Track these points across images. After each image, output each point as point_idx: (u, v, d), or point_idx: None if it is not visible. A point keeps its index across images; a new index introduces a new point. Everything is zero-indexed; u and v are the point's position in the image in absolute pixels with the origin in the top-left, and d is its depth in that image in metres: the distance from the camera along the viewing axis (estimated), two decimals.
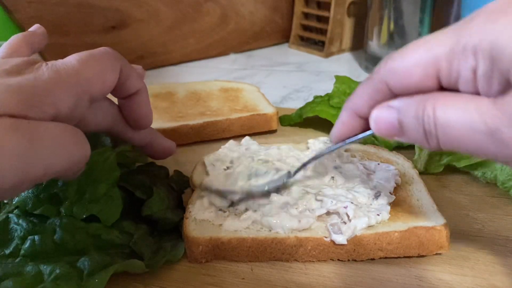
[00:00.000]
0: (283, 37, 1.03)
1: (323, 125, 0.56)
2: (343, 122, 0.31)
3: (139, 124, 0.37)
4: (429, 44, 0.24)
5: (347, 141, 0.32)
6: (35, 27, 0.37)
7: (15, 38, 0.35)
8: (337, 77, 0.59)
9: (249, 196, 0.39)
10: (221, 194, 0.39)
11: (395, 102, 0.26)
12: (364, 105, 0.29)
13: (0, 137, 0.23)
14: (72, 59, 0.30)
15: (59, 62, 0.29)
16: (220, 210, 0.38)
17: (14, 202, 0.35)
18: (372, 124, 0.28)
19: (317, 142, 0.47)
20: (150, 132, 0.40)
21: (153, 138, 0.41)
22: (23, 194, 0.35)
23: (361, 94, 0.29)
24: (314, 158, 0.38)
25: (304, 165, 0.39)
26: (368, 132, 0.30)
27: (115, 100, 0.37)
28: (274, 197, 0.38)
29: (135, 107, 0.36)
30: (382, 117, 0.27)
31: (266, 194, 0.39)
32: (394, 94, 0.27)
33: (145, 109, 0.37)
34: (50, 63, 0.29)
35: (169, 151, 0.42)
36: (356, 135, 0.31)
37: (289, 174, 0.40)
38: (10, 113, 0.24)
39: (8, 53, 0.33)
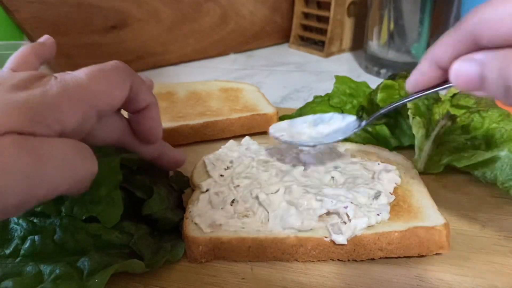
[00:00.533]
0: (283, 37, 1.03)
1: None
2: (422, 71, 0.30)
3: (148, 138, 0.37)
4: None
5: (425, 92, 0.31)
6: (44, 38, 0.37)
7: (24, 49, 0.34)
8: (337, 77, 0.59)
9: (317, 146, 0.38)
10: (289, 144, 0.39)
11: (479, 55, 0.26)
12: (446, 55, 0.28)
13: (5, 156, 0.23)
14: (81, 74, 0.29)
15: (68, 76, 0.29)
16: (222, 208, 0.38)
17: None
18: (452, 75, 0.27)
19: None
20: (160, 144, 0.39)
21: (162, 151, 0.40)
22: None
23: (444, 44, 0.28)
24: (390, 107, 0.37)
25: (377, 114, 0.38)
26: (446, 85, 0.29)
27: (125, 113, 0.36)
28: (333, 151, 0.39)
29: (145, 122, 0.36)
30: (464, 70, 0.26)
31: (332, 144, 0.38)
32: (479, 47, 0.26)
33: (155, 123, 0.36)
34: (59, 77, 0.28)
35: (179, 163, 0.42)
36: (434, 86, 0.30)
37: (359, 122, 0.38)
38: (17, 130, 0.24)
39: (17, 65, 0.33)
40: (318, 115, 0.42)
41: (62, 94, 0.27)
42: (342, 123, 0.39)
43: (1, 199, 0.23)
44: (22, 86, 0.27)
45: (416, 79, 0.31)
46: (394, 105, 0.37)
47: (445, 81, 0.29)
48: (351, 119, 0.39)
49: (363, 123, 0.38)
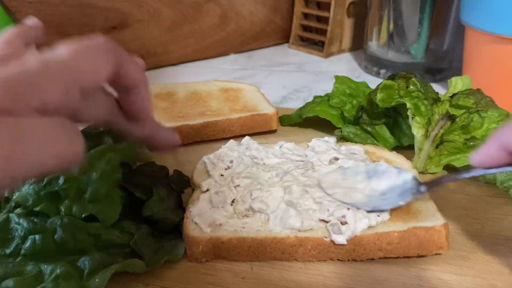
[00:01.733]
0: (283, 37, 1.03)
1: (323, 125, 0.56)
2: (489, 153, 0.31)
3: (136, 117, 0.35)
4: None
5: (490, 171, 0.32)
6: (29, 20, 0.36)
7: (9, 32, 0.34)
8: (337, 77, 0.59)
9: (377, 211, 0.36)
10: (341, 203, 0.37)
11: None
12: None
13: None
14: (62, 49, 0.28)
15: (49, 53, 0.28)
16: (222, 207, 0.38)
17: (14, 198, 0.35)
18: None
19: (320, 142, 0.47)
20: (151, 124, 0.37)
21: (154, 130, 0.38)
22: (24, 190, 0.35)
23: None
24: (450, 178, 0.38)
25: (438, 182, 0.38)
26: (510, 167, 0.30)
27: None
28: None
29: (133, 100, 0.34)
30: None
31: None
32: None
33: (144, 101, 0.35)
34: (40, 54, 0.27)
35: (172, 143, 0.39)
36: (499, 167, 0.31)
37: (417, 184, 0.37)
38: None
39: (1, 47, 0.32)
40: (371, 166, 0.40)
41: (43, 71, 0.26)
42: (397, 179, 0.38)
43: None
44: (2, 63, 0.26)
45: (482, 158, 0.32)
46: (460, 177, 0.38)
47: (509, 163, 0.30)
48: (407, 176, 0.38)
49: (423, 188, 0.37)
